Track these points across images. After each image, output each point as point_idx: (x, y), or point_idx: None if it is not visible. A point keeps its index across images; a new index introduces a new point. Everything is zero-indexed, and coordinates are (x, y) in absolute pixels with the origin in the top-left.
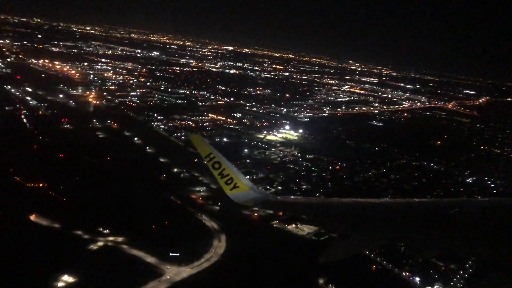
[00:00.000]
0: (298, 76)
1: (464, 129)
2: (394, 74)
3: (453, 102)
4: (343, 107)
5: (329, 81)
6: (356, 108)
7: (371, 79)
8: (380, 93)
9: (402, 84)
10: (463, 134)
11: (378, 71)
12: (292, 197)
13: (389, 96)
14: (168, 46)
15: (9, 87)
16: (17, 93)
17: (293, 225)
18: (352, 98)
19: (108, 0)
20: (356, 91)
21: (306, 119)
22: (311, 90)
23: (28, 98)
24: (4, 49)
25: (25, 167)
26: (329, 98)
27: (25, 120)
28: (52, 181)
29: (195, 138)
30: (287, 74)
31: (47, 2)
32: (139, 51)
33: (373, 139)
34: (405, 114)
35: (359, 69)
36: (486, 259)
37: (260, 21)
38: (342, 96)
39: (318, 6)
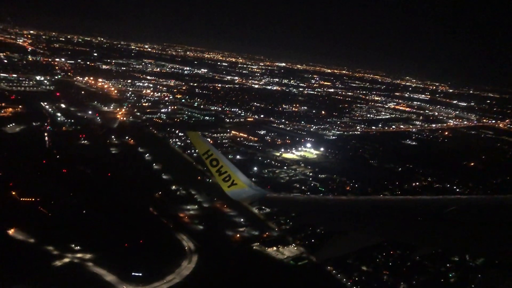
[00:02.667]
0: (343, 93)
1: (509, 150)
2: (451, 90)
3: (507, 120)
4: (380, 125)
5: (375, 98)
6: (393, 126)
7: (423, 95)
8: (426, 111)
9: (455, 101)
10: (506, 156)
11: (434, 87)
12: (290, 194)
13: (436, 113)
14: (219, 63)
15: (45, 103)
16: (50, 110)
17: (274, 248)
18: (393, 115)
19: (170, 18)
20: (401, 108)
21: (333, 137)
22: (352, 107)
23: (59, 114)
24: (56, 67)
25: (26, 182)
26: (368, 115)
27: (46, 136)
28: (45, 196)
29: (192, 135)
30: (332, 90)
31: (113, 22)
32: (188, 68)
33: (400, 159)
34: (446, 133)
35: (413, 85)
36: (483, 257)
37: (318, 37)
38: (383, 113)
39: (379, 22)
